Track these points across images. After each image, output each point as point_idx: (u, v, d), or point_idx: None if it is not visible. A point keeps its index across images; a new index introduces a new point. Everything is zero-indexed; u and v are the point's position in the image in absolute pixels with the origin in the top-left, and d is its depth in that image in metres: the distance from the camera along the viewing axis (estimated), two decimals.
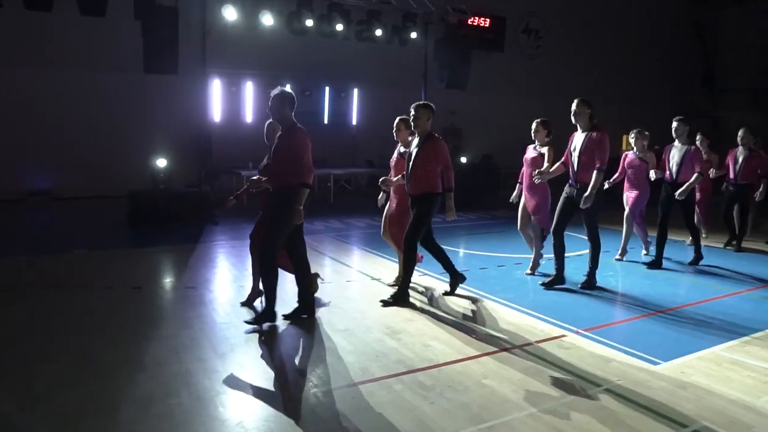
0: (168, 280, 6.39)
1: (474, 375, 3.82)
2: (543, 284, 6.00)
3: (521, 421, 3.21)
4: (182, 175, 11.11)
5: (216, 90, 13.28)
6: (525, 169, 6.38)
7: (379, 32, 11.92)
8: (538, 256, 6.57)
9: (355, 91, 15.04)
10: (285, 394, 3.54)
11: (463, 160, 13.98)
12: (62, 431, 3.08)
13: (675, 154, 6.86)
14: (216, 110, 13.34)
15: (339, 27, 11.48)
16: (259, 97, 13.65)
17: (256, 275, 5.19)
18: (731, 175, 8.15)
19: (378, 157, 13.74)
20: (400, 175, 5.61)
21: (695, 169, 6.68)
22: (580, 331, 4.69)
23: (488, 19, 17.69)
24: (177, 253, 7.50)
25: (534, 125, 6.33)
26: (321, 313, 5.05)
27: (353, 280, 6.39)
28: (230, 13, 10.46)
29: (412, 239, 5.32)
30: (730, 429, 3.15)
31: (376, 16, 12.06)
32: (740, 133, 8.09)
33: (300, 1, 11.28)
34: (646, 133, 7.29)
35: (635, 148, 7.24)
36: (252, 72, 13.73)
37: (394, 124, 5.86)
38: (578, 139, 5.77)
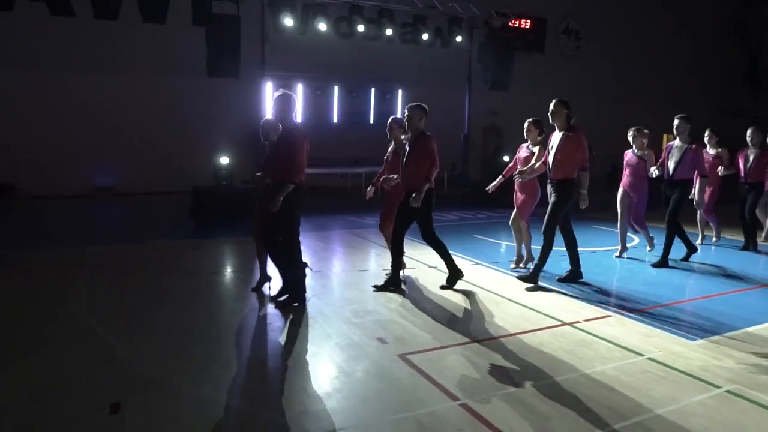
0: (239, 267, 7.06)
1: (532, 344, 4.35)
2: (559, 279, 6.20)
3: (575, 381, 3.73)
4: (243, 171, 11.86)
5: (269, 92, 14.01)
6: (518, 167, 6.54)
7: (425, 36, 12.47)
8: (528, 250, 6.76)
9: (400, 92, 15.60)
10: (366, 358, 4.13)
11: (506, 158, 14.40)
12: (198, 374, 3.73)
13: (675, 152, 6.87)
14: (269, 111, 14.08)
15: (388, 32, 12.06)
16: (308, 98, 14.36)
17: (263, 262, 5.70)
18: (742, 174, 8.12)
19: None
20: (395, 174, 5.91)
21: (694, 169, 6.81)
22: (624, 312, 5.16)
23: (529, 21, 18.04)
24: (242, 244, 8.15)
25: (526, 125, 6.51)
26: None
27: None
28: (288, 21, 11.16)
29: (429, 232, 5.72)
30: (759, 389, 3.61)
31: (422, 20, 12.64)
32: (749, 132, 8.07)
33: (352, 7, 11.91)
34: (646, 131, 7.37)
35: (634, 146, 7.33)
36: (303, 74, 14.44)
37: (387, 124, 6.23)
38: (555, 138, 5.97)
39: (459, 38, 12.70)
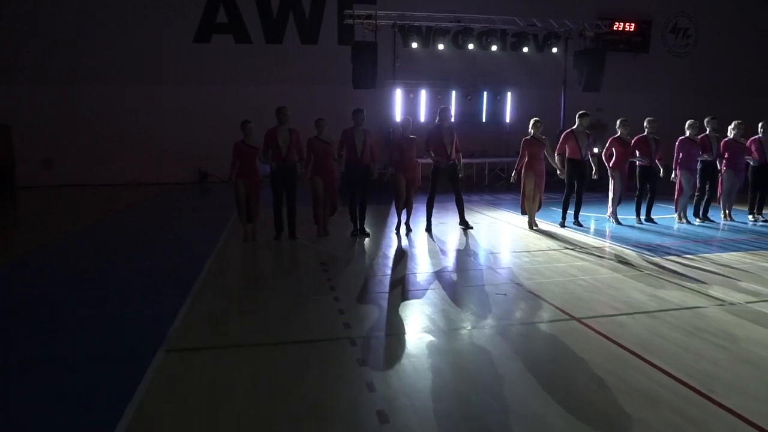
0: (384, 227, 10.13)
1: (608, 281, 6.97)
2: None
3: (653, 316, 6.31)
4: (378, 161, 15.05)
5: (398, 97, 17.10)
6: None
7: (525, 49, 14.95)
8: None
9: (509, 94, 18.04)
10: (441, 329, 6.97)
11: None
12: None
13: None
14: (398, 112, 17.18)
15: (494, 48, 14.70)
16: (430, 102, 17.27)
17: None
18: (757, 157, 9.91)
19: None
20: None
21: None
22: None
23: (633, 24, 19.73)
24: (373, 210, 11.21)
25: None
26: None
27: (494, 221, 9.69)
28: (414, 44, 14.20)
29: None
30: None
31: (524, 35, 15.10)
32: (761, 124, 9.90)
33: (465, 29, 14.69)
34: (626, 121, 9.56)
35: (619, 133, 9.51)
36: (426, 82, 17.38)
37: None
38: None
39: (555, 49, 14.98)
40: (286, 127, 8.26)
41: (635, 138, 9.76)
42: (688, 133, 9.83)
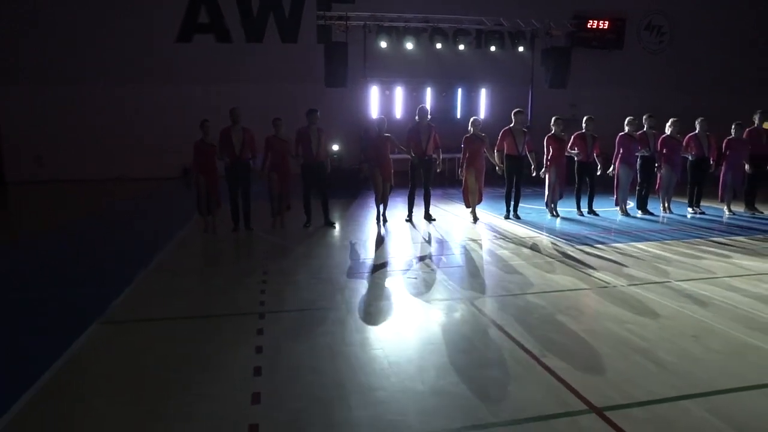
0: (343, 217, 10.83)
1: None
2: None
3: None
4: (351, 156, 15.71)
5: (374, 94, 17.69)
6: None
7: (494, 48, 15.57)
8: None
9: (483, 91, 18.61)
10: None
11: None
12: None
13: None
14: (374, 109, 17.80)
15: (465, 46, 15.32)
16: (407, 99, 17.85)
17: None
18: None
19: None
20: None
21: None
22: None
23: (607, 21, 20.28)
24: (344, 203, 11.91)
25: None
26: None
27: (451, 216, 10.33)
28: (383, 43, 14.82)
29: None
30: None
31: (493, 34, 15.71)
32: (699, 120, 10.62)
33: (433, 29, 15.30)
34: (560, 119, 10.25)
35: (553, 130, 10.10)
36: (401, 79, 17.95)
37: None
38: None
39: (521, 48, 15.59)
40: (240, 126, 8.92)
41: (573, 135, 10.40)
42: (627, 129, 10.46)
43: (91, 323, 4.84)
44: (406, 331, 4.70)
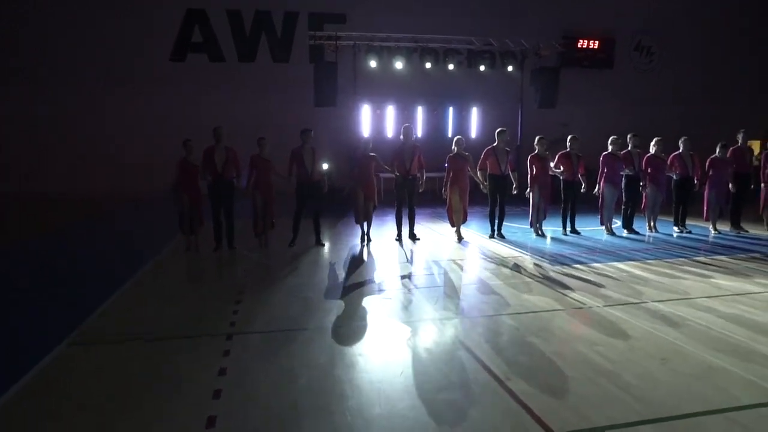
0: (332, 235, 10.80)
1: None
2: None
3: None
4: (341, 174, 15.68)
5: (365, 113, 17.74)
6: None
7: (484, 68, 15.66)
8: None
9: (474, 109, 18.68)
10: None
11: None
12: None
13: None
14: (365, 128, 17.83)
15: (450, 66, 15.43)
16: (398, 118, 17.92)
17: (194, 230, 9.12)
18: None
19: None
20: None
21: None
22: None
23: (597, 41, 20.50)
24: (331, 222, 11.90)
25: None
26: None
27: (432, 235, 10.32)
28: (372, 63, 14.92)
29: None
30: None
31: (483, 54, 15.81)
32: (682, 139, 10.74)
33: (422, 49, 15.39)
34: (544, 139, 10.24)
35: (537, 150, 10.11)
36: (393, 98, 18.02)
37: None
38: None
39: (510, 68, 15.69)
40: (223, 145, 8.95)
41: (558, 154, 10.43)
42: (610, 148, 10.50)
43: (58, 343, 4.81)
44: (372, 353, 4.67)
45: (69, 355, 4.66)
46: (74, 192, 17.24)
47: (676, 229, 10.84)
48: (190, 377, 4.17)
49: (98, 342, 4.98)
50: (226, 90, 17.90)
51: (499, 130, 10.08)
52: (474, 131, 18.85)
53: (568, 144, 10.51)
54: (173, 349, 4.79)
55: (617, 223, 10.96)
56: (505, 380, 4.08)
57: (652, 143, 10.68)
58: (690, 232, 10.69)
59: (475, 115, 18.71)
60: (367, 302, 6.13)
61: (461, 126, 18.63)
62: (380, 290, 6.65)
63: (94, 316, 5.62)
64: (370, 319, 5.55)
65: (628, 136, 10.75)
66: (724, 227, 10.94)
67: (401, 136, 9.90)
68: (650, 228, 10.82)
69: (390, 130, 18.19)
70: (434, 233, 10.85)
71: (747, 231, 10.74)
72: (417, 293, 6.50)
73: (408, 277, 7.34)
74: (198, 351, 4.73)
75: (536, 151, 10.22)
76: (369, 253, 9.00)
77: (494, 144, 10.00)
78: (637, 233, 10.57)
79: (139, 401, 3.80)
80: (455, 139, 9.93)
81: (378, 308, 5.90)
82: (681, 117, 19.23)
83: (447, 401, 3.77)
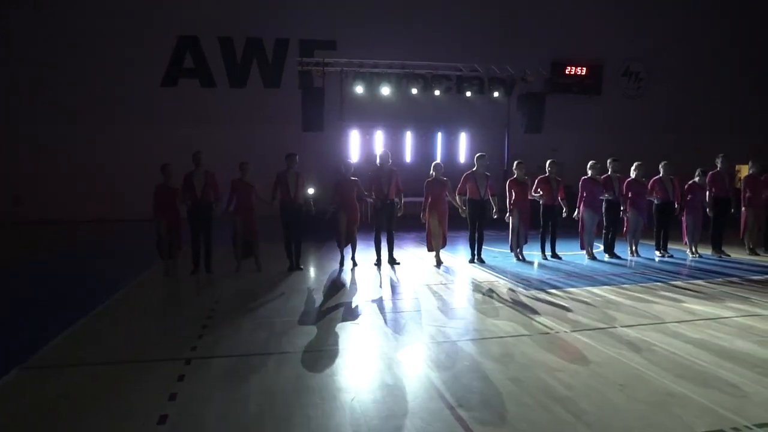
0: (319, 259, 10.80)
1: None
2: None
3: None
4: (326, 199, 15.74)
5: (354, 138, 17.85)
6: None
7: (470, 94, 15.83)
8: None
9: (462, 134, 18.82)
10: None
11: None
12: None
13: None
14: (354, 152, 17.91)
15: (437, 92, 15.58)
16: (388, 143, 18.02)
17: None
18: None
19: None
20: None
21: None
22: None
23: (585, 68, 20.74)
24: (318, 244, 11.91)
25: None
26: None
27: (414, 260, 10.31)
28: (359, 89, 15.08)
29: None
30: None
31: (471, 80, 15.98)
32: (662, 164, 10.86)
33: (410, 75, 15.56)
34: (522, 163, 10.28)
35: (516, 174, 10.16)
36: (381, 123, 18.17)
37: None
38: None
39: (496, 94, 15.85)
40: (202, 169, 9.00)
41: (537, 178, 10.48)
42: (590, 173, 10.54)
43: (12, 368, 4.77)
44: (327, 382, 4.61)
45: (20, 379, 4.62)
46: (64, 217, 17.27)
47: (657, 253, 10.84)
48: (138, 402, 4.13)
49: (53, 366, 4.94)
50: (216, 115, 18.05)
51: (478, 155, 10.15)
52: (463, 156, 18.96)
53: (547, 168, 10.56)
54: (129, 373, 4.75)
55: (599, 247, 10.95)
56: (456, 407, 4.04)
57: (633, 168, 10.74)
58: (671, 257, 10.69)
59: (463, 139, 18.84)
60: (337, 329, 6.08)
61: (450, 150, 18.76)
62: (352, 316, 6.62)
63: (57, 340, 5.59)
64: (334, 346, 5.51)
65: (608, 160, 10.81)
66: (706, 251, 10.94)
67: (377, 161, 9.96)
68: (632, 252, 10.82)
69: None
70: (415, 258, 10.84)
71: (729, 255, 10.74)
72: (386, 319, 6.46)
73: (380, 302, 7.31)
74: (153, 375, 4.69)
75: (515, 176, 10.27)
76: (347, 278, 8.98)
77: (474, 169, 10.04)
78: (619, 258, 10.57)
79: (83, 426, 3.76)
80: (433, 164, 10.00)
81: (344, 335, 5.86)
82: (669, 143, 19.42)
83: (395, 428, 3.73)
